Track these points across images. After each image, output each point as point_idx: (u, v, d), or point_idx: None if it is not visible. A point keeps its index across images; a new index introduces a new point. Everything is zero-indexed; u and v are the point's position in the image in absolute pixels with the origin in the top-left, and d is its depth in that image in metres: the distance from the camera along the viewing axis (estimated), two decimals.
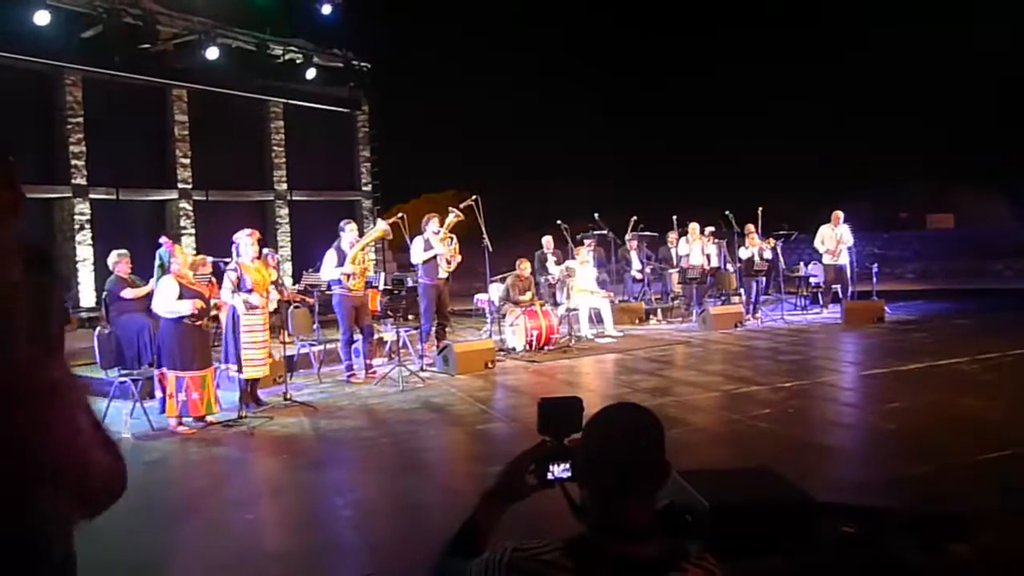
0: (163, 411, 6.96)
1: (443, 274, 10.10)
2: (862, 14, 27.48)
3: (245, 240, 7.57)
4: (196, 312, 6.82)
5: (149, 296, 8.07)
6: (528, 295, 11.20)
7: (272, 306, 7.86)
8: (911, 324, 12.26)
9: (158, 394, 7.06)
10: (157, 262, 6.92)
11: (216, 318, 7.64)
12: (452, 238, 10.19)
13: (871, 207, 23.87)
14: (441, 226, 10.07)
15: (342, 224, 9.17)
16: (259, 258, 7.85)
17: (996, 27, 21.60)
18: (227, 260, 7.53)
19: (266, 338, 7.71)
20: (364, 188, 17.88)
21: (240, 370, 7.38)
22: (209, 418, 7.08)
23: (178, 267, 6.98)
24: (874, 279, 13.52)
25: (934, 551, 3.10)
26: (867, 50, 26.78)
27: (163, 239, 7.12)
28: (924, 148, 25.24)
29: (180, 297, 6.81)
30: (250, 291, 7.38)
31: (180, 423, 6.93)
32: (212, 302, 7.10)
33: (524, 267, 11.53)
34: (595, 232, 14.31)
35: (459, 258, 10.26)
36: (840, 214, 13.84)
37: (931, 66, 24.50)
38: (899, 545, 3.17)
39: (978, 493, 4.47)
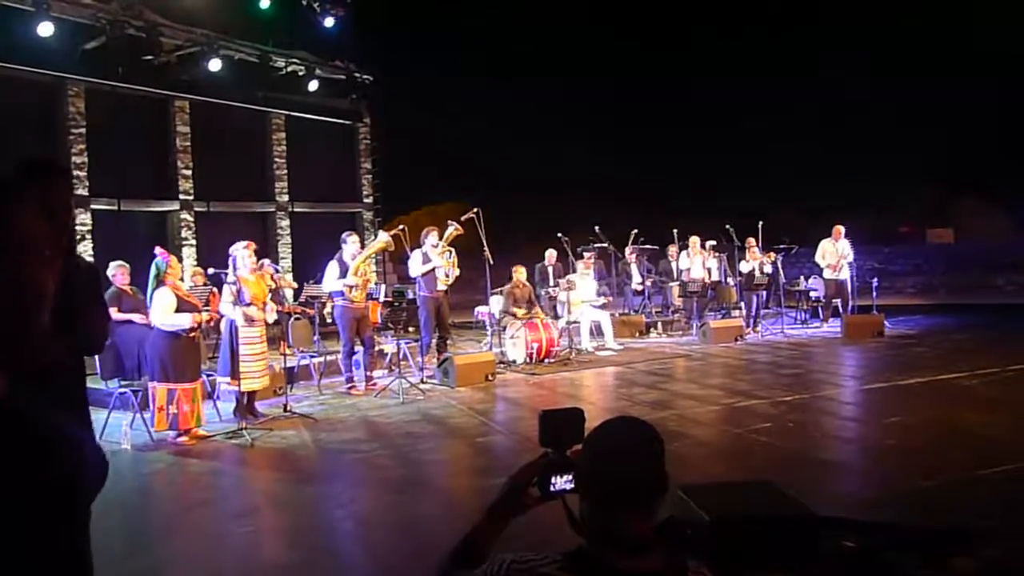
0: (155, 425, 6.88)
1: (442, 287, 10.11)
2: (864, 21, 27.60)
3: (242, 252, 7.56)
4: (196, 325, 6.84)
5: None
6: (523, 310, 11.16)
7: (272, 318, 7.86)
8: (911, 338, 12.26)
9: (154, 407, 6.91)
10: (153, 272, 6.89)
11: (218, 328, 7.62)
12: (450, 251, 10.21)
13: (871, 221, 23.90)
14: (440, 239, 10.09)
15: (344, 236, 9.18)
16: (256, 270, 7.86)
17: (998, 35, 21.64)
18: (227, 272, 7.53)
19: (263, 350, 7.71)
20: (365, 200, 17.90)
21: (238, 383, 7.37)
22: (199, 431, 7.03)
23: (172, 279, 6.93)
24: (874, 293, 13.53)
25: (936, 566, 3.10)
26: (866, 61, 26.87)
27: (158, 249, 7.11)
28: (925, 162, 25.30)
29: (178, 309, 6.78)
30: (248, 304, 7.38)
31: (181, 435, 6.90)
32: (204, 314, 7.08)
33: (519, 273, 11.53)
34: (596, 245, 14.32)
35: (457, 271, 10.28)
36: (841, 228, 13.89)
37: (932, 77, 24.58)
38: (901, 560, 3.16)
39: (979, 508, 4.46)
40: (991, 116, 24.38)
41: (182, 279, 7.09)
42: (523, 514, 1.68)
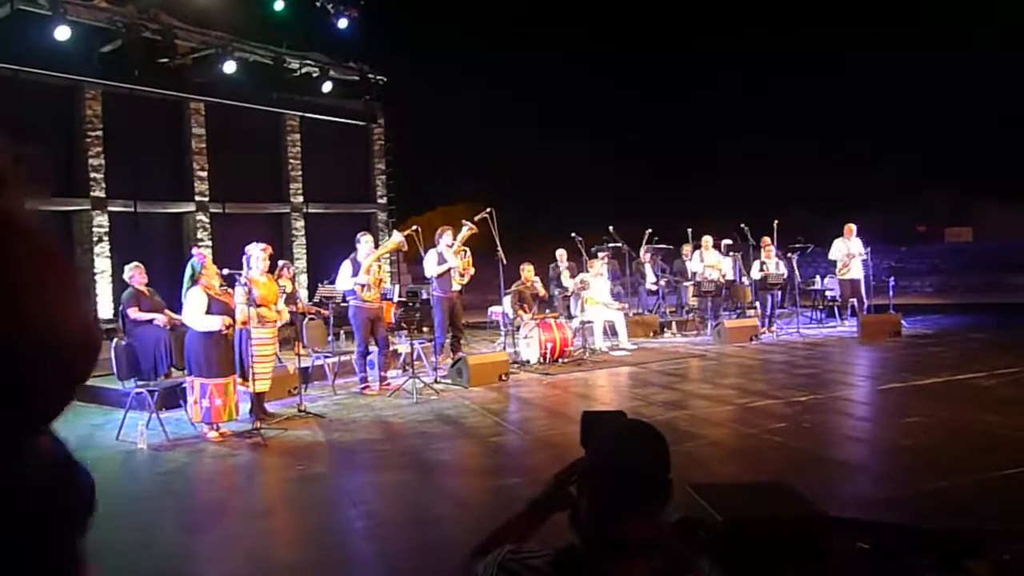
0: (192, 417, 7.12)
1: (456, 287, 10.14)
2: (876, 19, 27.36)
3: (258, 254, 7.64)
4: (225, 327, 6.93)
5: (170, 307, 8.15)
6: (528, 316, 11.13)
7: (284, 319, 7.91)
8: (928, 338, 12.16)
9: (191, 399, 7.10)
10: (188, 272, 7.04)
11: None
12: (465, 251, 10.24)
13: (888, 220, 23.70)
14: (455, 239, 10.12)
15: (358, 236, 9.22)
16: (268, 272, 7.92)
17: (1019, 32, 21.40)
18: (241, 272, 7.58)
19: (274, 352, 7.80)
20: (379, 201, 17.96)
21: (249, 383, 7.42)
22: (223, 428, 7.12)
23: (207, 279, 7.07)
24: (891, 292, 13.41)
25: (951, 569, 3.07)
26: (883, 59, 26.66)
27: (195, 250, 7.26)
28: (942, 160, 25.07)
29: (208, 309, 6.94)
30: (259, 305, 7.44)
31: (212, 428, 7.02)
32: (237, 315, 7.19)
33: (527, 271, 11.54)
34: (610, 245, 14.30)
35: (472, 271, 10.31)
36: (853, 227, 13.73)
37: (950, 75, 24.36)
38: (915, 562, 3.13)
39: (996, 510, 4.42)
40: (1010, 114, 24.12)
41: (224, 279, 7.23)
42: (563, 511, 1.70)
